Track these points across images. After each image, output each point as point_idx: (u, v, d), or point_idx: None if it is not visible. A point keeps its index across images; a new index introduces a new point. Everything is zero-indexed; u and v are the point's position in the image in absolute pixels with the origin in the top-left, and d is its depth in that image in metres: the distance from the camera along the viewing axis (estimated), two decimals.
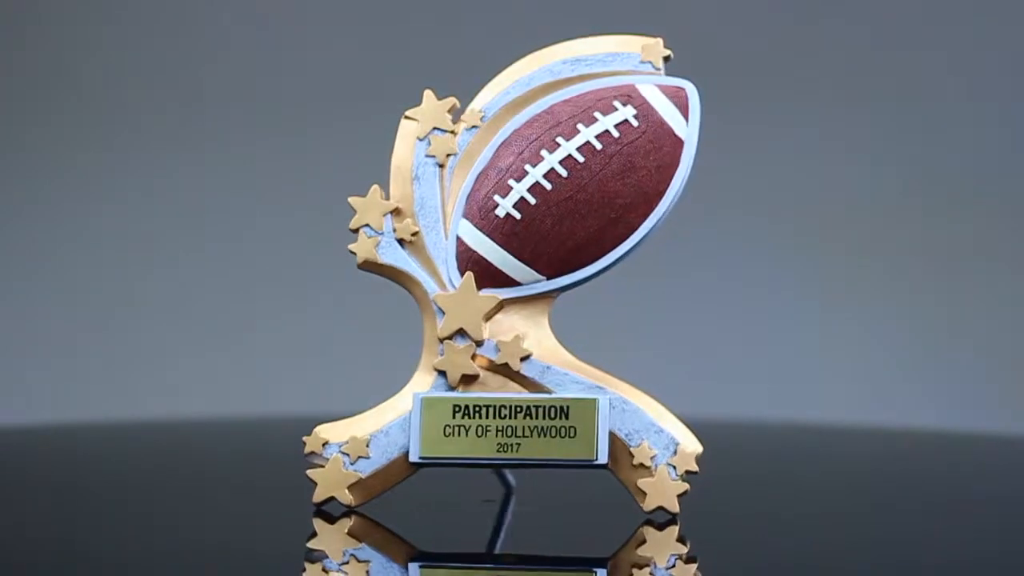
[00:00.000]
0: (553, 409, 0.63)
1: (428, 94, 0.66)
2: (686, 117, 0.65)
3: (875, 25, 1.43)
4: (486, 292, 0.64)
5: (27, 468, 0.80)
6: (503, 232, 0.64)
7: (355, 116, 1.41)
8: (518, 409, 0.64)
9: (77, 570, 0.57)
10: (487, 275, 0.65)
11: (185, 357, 1.40)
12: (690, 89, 0.65)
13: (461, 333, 0.64)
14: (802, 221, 1.41)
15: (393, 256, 0.65)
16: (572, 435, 0.63)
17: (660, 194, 0.64)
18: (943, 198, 1.41)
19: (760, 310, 1.41)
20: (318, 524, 0.62)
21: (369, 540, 0.61)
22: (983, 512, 0.70)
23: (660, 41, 0.66)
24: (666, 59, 0.66)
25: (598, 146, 0.64)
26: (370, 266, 0.65)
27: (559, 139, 0.64)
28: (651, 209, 0.64)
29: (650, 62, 0.66)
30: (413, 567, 0.58)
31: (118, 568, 0.57)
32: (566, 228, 0.64)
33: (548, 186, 0.64)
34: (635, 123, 0.64)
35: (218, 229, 1.42)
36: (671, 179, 0.64)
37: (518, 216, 0.64)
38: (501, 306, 0.64)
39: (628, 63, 0.66)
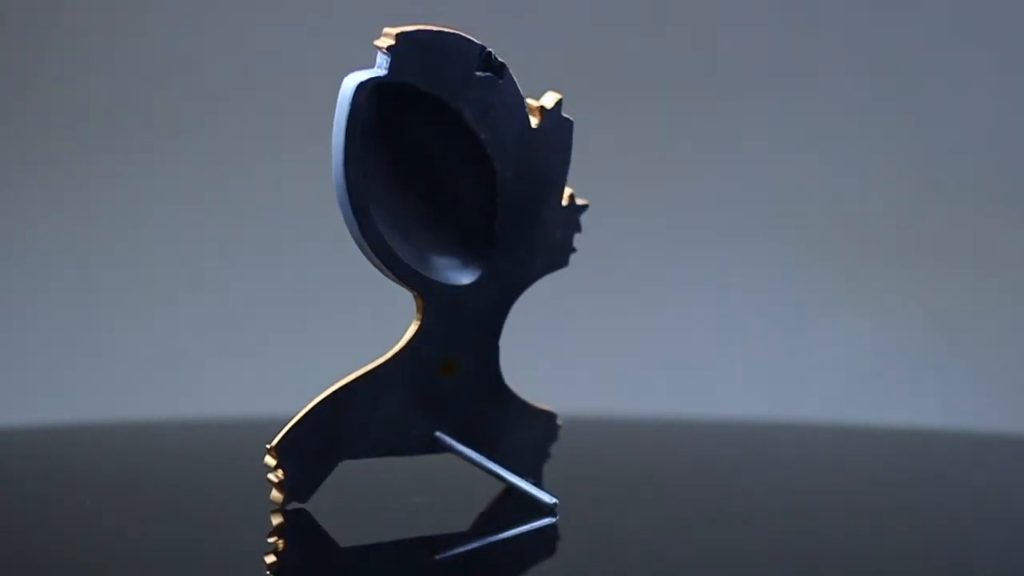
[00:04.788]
0: None
1: None
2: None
3: (875, 24, 1.43)
4: None
5: (27, 468, 0.81)
6: None
7: None
8: None
9: (78, 571, 0.57)
10: None
11: (185, 357, 1.40)
12: (344, 81, 0.58)
13: None
14: (802, 220, 1.41)
15: None
16: None
17: None
18: (944, 197, 1.41)
19: (760, 309, 1.41)
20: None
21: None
22: (983, 512, 0.70)
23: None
24: (387, 48, 0.57)
25: None
26: None
27: None
28: None
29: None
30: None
31: (120, 565, 0.57)
32: None
33: None
34: None
35: (219, 228, 1.42)
36: None
37: None
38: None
39: None
